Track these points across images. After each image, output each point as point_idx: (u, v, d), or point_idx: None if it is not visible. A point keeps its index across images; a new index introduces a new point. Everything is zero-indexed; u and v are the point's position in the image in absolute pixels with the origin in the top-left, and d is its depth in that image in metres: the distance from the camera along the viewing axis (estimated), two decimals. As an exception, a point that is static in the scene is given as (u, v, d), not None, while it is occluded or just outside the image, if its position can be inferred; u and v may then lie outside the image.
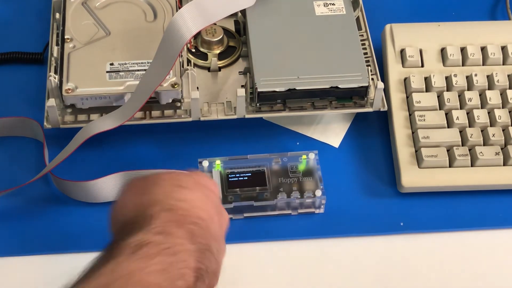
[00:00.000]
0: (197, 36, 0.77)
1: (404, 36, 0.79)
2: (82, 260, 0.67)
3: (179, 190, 0.55)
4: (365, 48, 0.77)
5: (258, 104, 0.72)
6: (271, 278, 0.68)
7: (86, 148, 0.70)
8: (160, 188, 0.55)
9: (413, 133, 0.74)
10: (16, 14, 0.85)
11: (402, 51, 0.78)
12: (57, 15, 0.77)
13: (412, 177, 0.71)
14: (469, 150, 0.72)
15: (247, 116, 0.73)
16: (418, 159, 0.72)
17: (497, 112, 0.74)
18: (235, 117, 0.73)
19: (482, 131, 0.73)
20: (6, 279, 0.67)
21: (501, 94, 0.75)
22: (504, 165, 0.72)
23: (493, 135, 0.72)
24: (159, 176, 0.57)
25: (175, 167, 0.69)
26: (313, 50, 0.74)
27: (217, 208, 0.57)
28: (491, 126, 0.74)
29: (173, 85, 0.70)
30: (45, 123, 0.71)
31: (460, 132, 0.73)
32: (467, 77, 0.76)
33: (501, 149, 0.72)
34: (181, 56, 0.74)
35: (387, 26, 0.80)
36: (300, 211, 0.71)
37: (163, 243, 0.50)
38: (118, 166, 0.71)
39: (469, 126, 0.74)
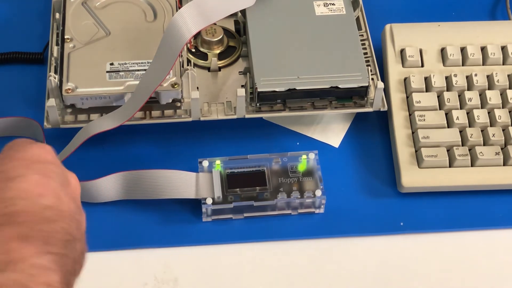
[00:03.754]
0: (197, 36, 0.77)
1: (404, 36, 0.79)
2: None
3: (8, 187, 0.45)
4: (365, 48, 0.77)
5: (258, 104, 0.72)
6: (271, 278, 0.68)
7: (86, 148, 0.70)
8: None
9: (413, 133, 0.74)
10: (16, 14, 0.85)
11: (402, 51, 0.78)
12: (57, 15, 0.77)
13: (412, 177, 0.71)
14: (469, 150, 0.72)
15: (247, 116, 0.73)
16: (418, 159, 0.72)
17: (497, 112, 0.74)
18: (235, 117, 0.73)
19: (482, 131, 0.73)
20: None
21: (501, 94, 0.75)
22: (504, 165, 0.72)
23: (493, 135, 0.72)
24: None
25: (175, 167, 0.70)
26: (313, 50, 0.74)
27: (62, 180, 0.48)
28: (491, 126, 0.74)
29: (173, 85, 0.70)
30: (45, 123, 0.71)
31: (460, 132, 0.73)
32: (467, 77, 0.76)
33: (501, 149, 0.72)
34: (181, 56, 0.74)
35: (387, 26, 0.80)
36: (300, 211, 0.71)
37: (6, 285, 0.41)
38: (118, 166, 0.71)
39: (469, 126, 0.74)
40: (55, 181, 0.47)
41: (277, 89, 0.71)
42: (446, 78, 0.76)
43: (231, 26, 0.79)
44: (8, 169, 0.46)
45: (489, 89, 0.76)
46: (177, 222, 0.70)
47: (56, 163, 0.49)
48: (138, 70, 0.72)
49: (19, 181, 0.45)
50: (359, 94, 0.73)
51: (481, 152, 0.71)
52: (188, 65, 0.74)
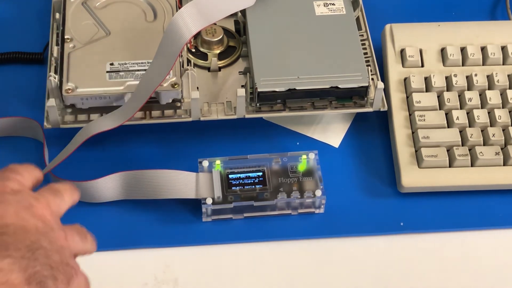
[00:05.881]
0: (197, 36, 0.77)
1: (404, 36, 0.79)
2: (81, 260, 0.67)
3: None
4: (365, 48, 0.77)
5: (258, 104, 0.72)
6: (271, 278, 0.68)
7: (86, 148, 0.70)
8: None
9: (413, 133, 0.74)
10: (16, 14, 0.85)
11: (402, 51, 0.78)
12: (57, 15, 0.77)
13: (412, 177, 0.71)
14: (469, 150, 0.72)
15: (247, 116, 0.73)
16: (418, 159, 0.72)
17: (497, 112, 0.74)
18: (235, 117, 0.73)
19: (482, 131, 0.73)
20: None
21: (501, 94, 0.75)
22: (504, 165, 0.72)
23: (493, 135, 0.72)
24: None
25: (175, 167, 0.70)
26: (313, 50, 0.74)
27: (25, 205, 0.50)
28: (491, 126, 0.74)
29: (173, 85, 0.70)
30: (45, 123, 0.71)
31: (460, 132, 0.73)
32: (467, 77, 0.76)
33: (501, 149, 0.72)
34: (181, 56, 0.74)
35: (387, 26, 0.80)
36: (300, 211, 0.71)
37: None
38: (118, 166, 0.71)
39: (469, 126, 0.74)
40: (14, 206, 0.49)
41: (277, 89, 0.71)
42: (446, 78, 0.76)
43: (231, 26, 0.79)
44: None
45: (489, 89, 0.76)
46: (177, 222, 0.70)
47: (22, 190, 0.52)
48: (138, 70, 0.72)
49: None
50: (359, 94, 0.73)
51: (481, 152, 0.71)
52: (188, 65, 0.74)
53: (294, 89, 0.71)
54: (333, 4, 0.78)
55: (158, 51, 0.68)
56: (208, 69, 0.77)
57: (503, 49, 0.78)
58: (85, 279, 0.51)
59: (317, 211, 0.71)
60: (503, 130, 0.73)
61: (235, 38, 0.79)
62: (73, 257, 0.51)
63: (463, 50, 0.78)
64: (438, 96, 0.75)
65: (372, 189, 0.73)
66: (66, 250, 0.50)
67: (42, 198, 0.52)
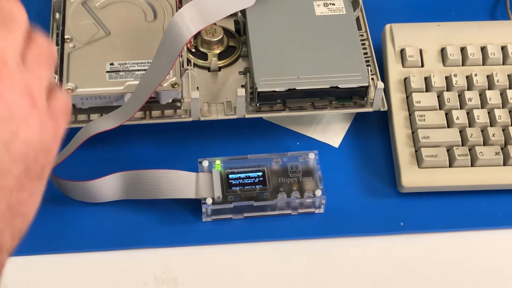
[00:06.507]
0: (197, 36, 0.77)
1: (404, 36, 0.79)
2: (81, 260, 0.67)
3: None
4: (365, 48, 0.77)
5: (258, 104, 0.72)
6: (271, 278, 0.68)
7: (86, 148, 0.70)
8: None
9: (413, 133, 0.74)
10: (16, 14, 0.85)
11: (402, 51, 0.78)
12: (57, 15, 0.77)
13: (412, 177, 0.71)
14: (469, 150, 0.72)
15: (247, 116, 0.73)
16: (418, 159, 0.72)
17: (497, 112, 0.74)
18: (235, 117, 0.73)
19: (482, 131, 0.73)
20: (5, 279, 0.67)
21: (501, 94, 0.75)
22: (504, 165, 0.72)
23: (493, 135, 0.72)
24: None
25: (175, 167, 0.70)
26: (313, 50, 0.74)
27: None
28: (491, 126, 0.74)
29: (173, 85, 0.70)
30: (45, 123, 0.71)
31: (460, 132, 0.73)
32: (467, 77, 0.76)
33: (501, 149, 0.72)
34: (181, 56, 0.74)
35: (387, 26, 0.80)
36: (300, 211, 0.71)
37: None
38: (118, 166, 0.71)
39: (469, 126, 0.74)
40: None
41: (277, 89, 0.71)
42: (446, 78, 0.76)
43: (231, 26, 0.79)
44: None
45: (489, 89, 0.76)
46: (177, 222, 0.70)
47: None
48: (138, 70, 0.72)
49: None
50: (359, 94, 0.73)
51: (481, 152, 0.71)
52: (188, 65, 0.74)
53: (294, 89, 0.71)
54: (333, 4, 0.78)
55: (158, 51, 0.68)
56: (208, 69, 0.77)
57: (503, 49, 0.78)
58: (64, 116, 0.42)
59: (317, 211, 0.71)
60: (503, 130, 0.73)
61: (235, 38, 0.79)
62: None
63: (463, 50, 0.78)
64: (438, 96, 0.75)
65: (372, 189, 0.73)
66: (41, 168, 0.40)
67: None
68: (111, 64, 0.72)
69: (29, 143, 0.39)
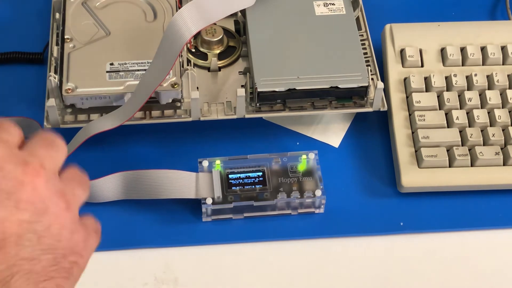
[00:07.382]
0: (197, 36, 0.77)
1: (404, 36, 0.79)
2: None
3: None
4: (365, 48, 0.77)
5: (258, 104, 0.72)
6: (271, 278, 0.68)
7: (86, 148, 0.70)
8: None
9: (413, 133, 0.74)
10: (16, 14, 0.85)
11: (402, 51, 0.78)
12: (57, 15, 0.77)
13: (412, 177, 0.71)
14: (469, 150, 0.72)
15: (247, 116, 0.73)
16: (418, 159, 0.72)
17: (497, 112, 0.74)
18: (235, 117, 0.73)
19: (482, 131, 0.73)
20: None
21: (501, 94, 0.75)
22: (504, 165, 0.72)
23: (493, 135, 0.72)
24: None
25: (175, 167, 0.70)
26: (313, 50, 0.74)
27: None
28: (491, 126, 0.74)
29: (173, 85, 0.70)
30: (45, 123, 0.71)
31: (460, 132, 0.73)
32: (467, 77, 0.76)
33: (501, 149, 0.72)
34: (181, 56, 0.74)
35: (387, 26, 0.80)
36: (300, 211, 0.71)
37: None
38: (118, 166, 0.71)
39: (469, 126, 0.74)
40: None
41: (277, 89, 0.71)
42: (446, 78, 0.76)
43: (231, 26, 0.79)
44: None
45: (489, 89, 0.76)
46: (177, 222, 0.70)
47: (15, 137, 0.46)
48: (138, 70, 0.72)
49: None
50: (359, 94, 0.73)
51: (481, 152, 0.71)
52: (188, 65, 0.74)
53: (294, 89, 0.71)
54: (333, 4, 0.78)
55: (158, 51, 0.68)
56: (208, 69, 0.77)
57: (503, 49, 0.78)
58: (96, 232, 0.47)
59: (317, 211, 0.71)
60: (503, 130, 0.73)
61: (235, 38, 0.79)
62: (78, 221, 0.46)
63: (463, 50, 0.78)
64: (438, 96, 0.75)
65: (372, 189, 0.73)
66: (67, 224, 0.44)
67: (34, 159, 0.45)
68: (111, 64, 0.72)
69: (59, 238, 0.44)
